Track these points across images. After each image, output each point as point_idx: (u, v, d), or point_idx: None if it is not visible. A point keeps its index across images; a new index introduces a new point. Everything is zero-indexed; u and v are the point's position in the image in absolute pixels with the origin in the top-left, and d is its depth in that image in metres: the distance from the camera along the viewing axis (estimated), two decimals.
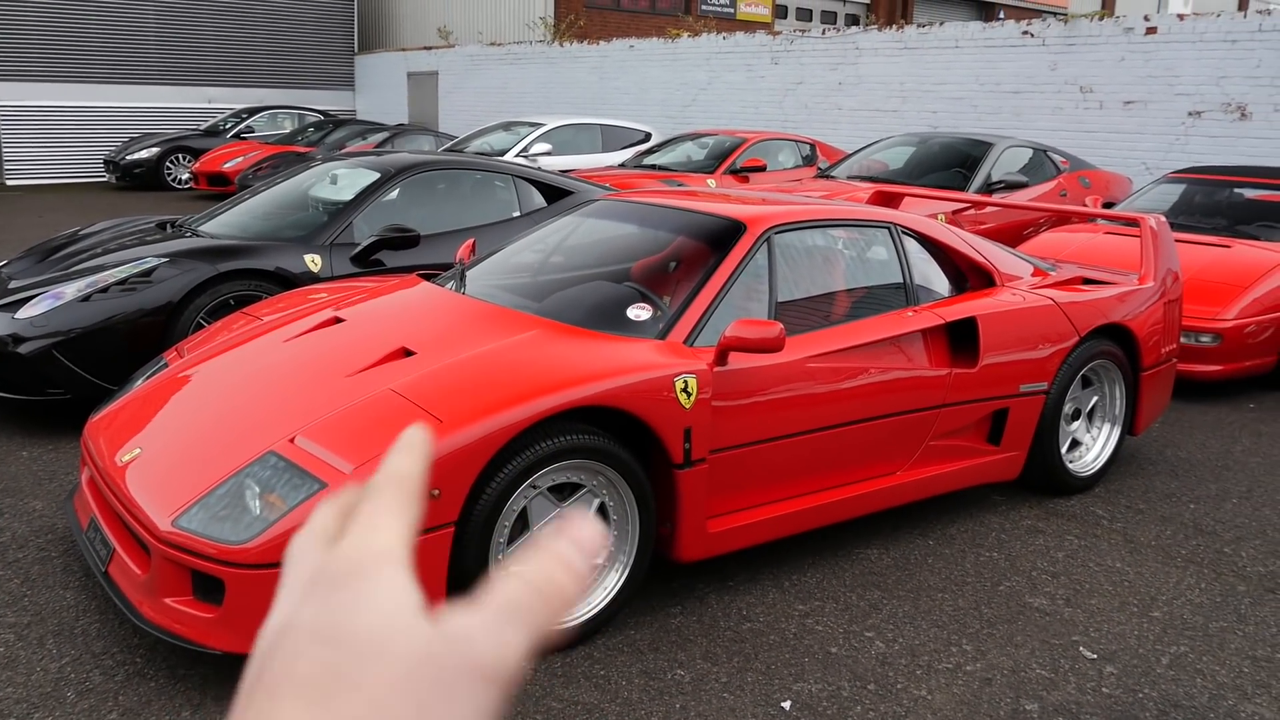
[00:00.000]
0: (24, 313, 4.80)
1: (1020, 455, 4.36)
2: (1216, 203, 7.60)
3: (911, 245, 4.22)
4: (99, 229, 6.05)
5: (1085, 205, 7.66)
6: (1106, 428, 4.74)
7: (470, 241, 4.60)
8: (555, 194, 6.36)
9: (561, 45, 16.74)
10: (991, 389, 4.14)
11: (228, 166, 15.25)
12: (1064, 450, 4.53)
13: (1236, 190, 7.45)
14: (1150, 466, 5.04)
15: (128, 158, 16.53)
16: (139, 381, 3.77)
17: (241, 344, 3.76)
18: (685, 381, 3.20)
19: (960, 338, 4.12)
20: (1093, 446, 4.71)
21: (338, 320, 3.78)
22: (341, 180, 6.13)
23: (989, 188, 8.54)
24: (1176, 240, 6.49)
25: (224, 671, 2.93)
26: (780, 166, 11.02)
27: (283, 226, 5.73)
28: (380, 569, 0.43)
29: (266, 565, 2.64)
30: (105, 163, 17.08)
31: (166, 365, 3.80)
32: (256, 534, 2.66)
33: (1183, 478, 4.89)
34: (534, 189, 6.31)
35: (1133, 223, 5.31)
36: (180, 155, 16.56)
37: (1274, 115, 9.59)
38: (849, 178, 9.16)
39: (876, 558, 3.88)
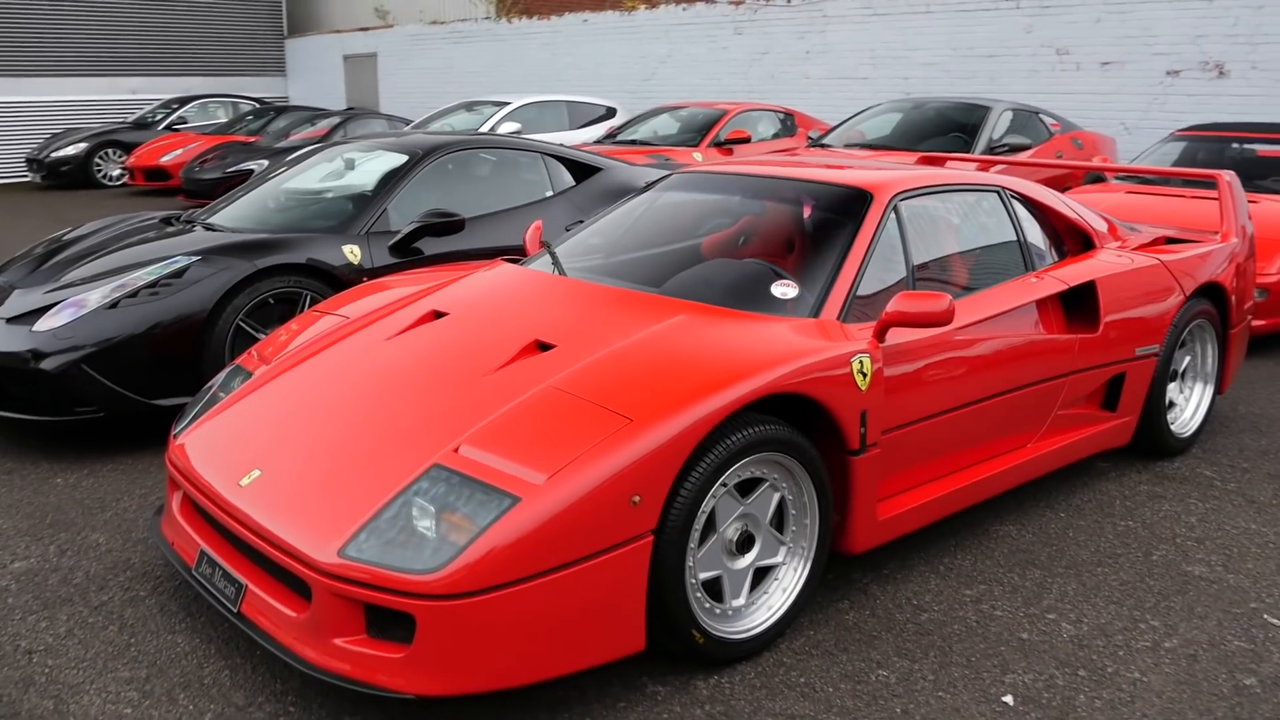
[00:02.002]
0: (44, 324, 4.35)
1: (1133, 420, 4.23)
2: (1222, 159, 7.60)
3: (1020, 209, 4.03)
4: (91, 230, 5.56)
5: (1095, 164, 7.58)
6: (1199, 387, 4.64)
7: (537, 223, 4.30)
8: (584, 171, 6.05)
9: (509, 22, 16.25)
10: (1112, 354, 3.99)
11: (166, 160, 14.51)
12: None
13: (1246, 145, 7.46)
14: (1232, 424, 4.96)
15: (52, 155, 15.62)
16: (219, 393, 3.39)
17: (332, 346, 3.41)
18: (861, 361, 2.96)
19: (1071, 302, 3.95)
20: (1186, 407, 4.60)
21: (437, 314, 3.45)
22: (360, 165, 5.74)
23: (992, 150, 8.45)
24: (1200, 197, 6.46)
25: (396, 714, 2.61)
26: (761, 137, 10.81)
27: (306, 217, 5.32)
28: None
29: (462, 595, 2.34)
30: (28, 161, 16.11)
31: (247, 374, 3.43)
32: (447, 560, 2.35)
33: (1269, 434, 4.83)
34: (562, 166, 5.99)
35: (1209, 181, 5.21)
36: (110, 150, 15.70)
37: (1251, 73, 9.68)
38: (847, 146, 8.99)
39: (1017, 534, 3.71)
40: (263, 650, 2.89)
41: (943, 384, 3.32)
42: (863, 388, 2.96)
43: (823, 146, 9.29)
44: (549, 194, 5.81)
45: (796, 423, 2.95)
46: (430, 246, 5.15)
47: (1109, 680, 2.81)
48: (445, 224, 5.03)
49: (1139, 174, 6.35)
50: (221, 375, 3.53)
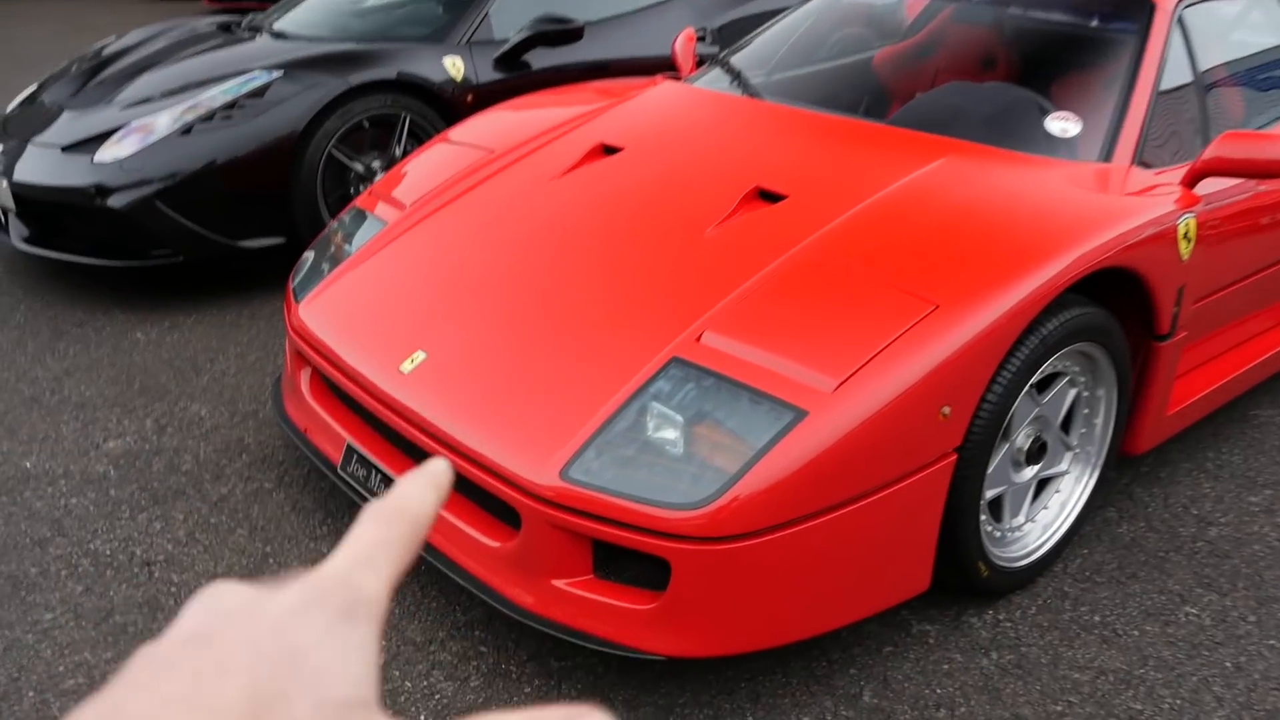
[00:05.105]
0: (106, 154, 3.68)
1: None
2: None
3: None
4: (137, 40, 4.77)
5: None
6: None
7: (689, 31, 3.55)
8: None
9: None
10: None
11: None
12: None
13: None
14: None
15: None
16: (344, 245, 2.76)
17: (481, 186, 2.76)
18: (1187, 225, 2.31)
19: None
20: None
21: (607, 149, 2.79)
22: None
23: None
24: None
25: (610, 659, 2.11)
26: None
27: (392, 24, 4.54)
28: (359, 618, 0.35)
29: (735, 537, 1.78)
30: None
31: (374, 220, 2.80)
32: (716, 492, 1.78)
33: None
34: None
35: None
36: None
37: None
38: None
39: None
40: (434, 573, 2.37)
41: (1244, 248, 2.67)
42: (1185, 257, 2.32)
43: None
44: None
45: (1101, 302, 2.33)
46: (541, 59, 4.40)
47: None
48: (561, 32, 4.26)
49: None
50: (342, 223, 2.89)
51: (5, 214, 3.93)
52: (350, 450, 2.35)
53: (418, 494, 0.40)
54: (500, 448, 1.97)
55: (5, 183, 3.77)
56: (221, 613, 0.34)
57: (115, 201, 3.60)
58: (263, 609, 0.34)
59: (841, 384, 1.83)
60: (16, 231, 3.89)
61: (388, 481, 2.23)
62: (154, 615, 2.21)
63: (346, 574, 0.36)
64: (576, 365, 2.06)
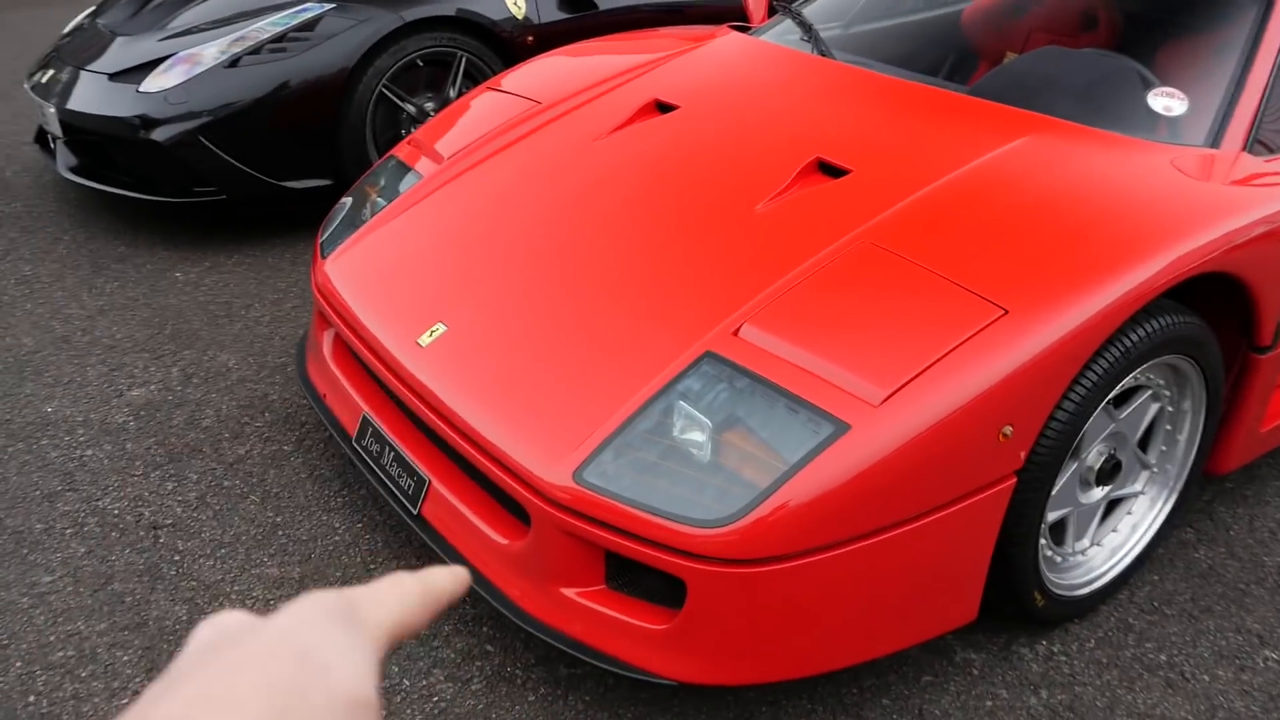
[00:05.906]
0: (152, 84, 3.56)
1: None
2: None
3: None
4: None
5: None
6: None
7: None
8: None
9: None
10: None
11: None
12: None
13: None
14: None
15: None
16: (376, 198, 2.61)
17: (523, 142, 2.57)
18: None
19: None
20: None
21: (661, 106, 2.58)
22: None
23: None
24: None
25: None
26: None
27: None
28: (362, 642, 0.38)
29: (762, 561, 1.61)
30: None
31: (410, 171, 2.64)
32: (742, 509, 1.60)
33: None
34: None
35: None
36: None
37: None
38: None
39: None
40: (441, 563, 2.24)
41: None
42: None
43: None
44: None
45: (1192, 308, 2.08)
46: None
47: None
48: None
49: None
50: (376, 172, 2.74)
51: (54, 140, 3.85)
52: (366, 423, 2.22)
53: (441, 574, 0.43)
54: (512, 439, 1.81)
55: (53, 108, 3.69)
56: (228, 629, 0.37)
57: (159, 134, 3.49)
58: (267, 622, 0.37)
59: (890, 396, 1.63)
60: (64, 160, 3.81)
61: (401, 463, 2.10)
62: (153, 586, 2.12)
63: (350, 596, 0.39)
64: (602, 351, 1.89)
